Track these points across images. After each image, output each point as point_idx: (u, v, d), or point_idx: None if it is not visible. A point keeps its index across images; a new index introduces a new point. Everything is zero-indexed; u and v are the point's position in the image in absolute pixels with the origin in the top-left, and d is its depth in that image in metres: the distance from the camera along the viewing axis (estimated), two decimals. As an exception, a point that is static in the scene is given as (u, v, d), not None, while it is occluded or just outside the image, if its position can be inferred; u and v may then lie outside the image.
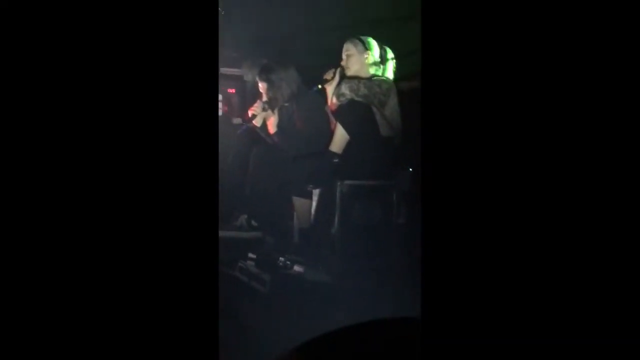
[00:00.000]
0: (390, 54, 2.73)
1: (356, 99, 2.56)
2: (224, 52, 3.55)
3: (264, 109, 2.89)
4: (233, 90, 3.90)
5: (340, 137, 2.64)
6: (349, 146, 2.63)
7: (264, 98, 2.91)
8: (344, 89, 2.58)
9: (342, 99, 2.59)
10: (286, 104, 2.89)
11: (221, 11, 2.20)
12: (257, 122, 2.94)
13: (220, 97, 3.50)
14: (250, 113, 2.93)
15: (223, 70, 3.71)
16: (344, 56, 2.70)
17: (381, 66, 2.70)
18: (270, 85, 2.86)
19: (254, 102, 3.07)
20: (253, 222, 2.85)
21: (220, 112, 3.63)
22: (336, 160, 2.61)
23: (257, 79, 2.96)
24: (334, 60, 2.77)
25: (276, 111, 2.90)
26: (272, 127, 2.93)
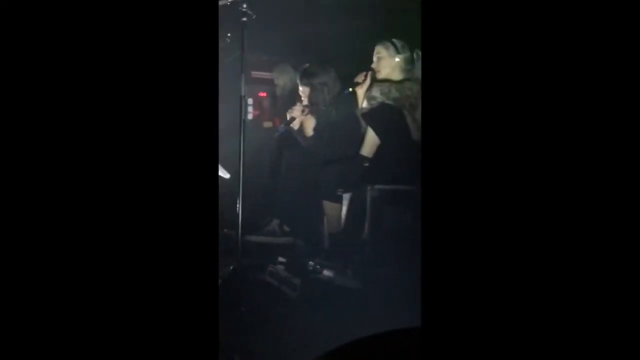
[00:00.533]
0: (420, 56, 2.70)
1: (387, 102, 2.54)
2: (254, 56, 3.58)
3: (303, 112, 2.90)
4: (264, 94, 3.93)
5: (371, 140, 2.62)
6: (379, 150, 2.61)
7: (305, 101, 2.91)
8: (375, 92, 2.56)
9: (373, 102, 2.58)
10: (324, 108, 2.89)
11: (252, 15, 2.21)
12: (295, 125, 2.95)
13: (250, 100, 3.52)
14: (289, 116, 2.93)
15: (254, 74, 3.74)
16: (374, 59, 2.68)
17: (412, 69, 2.67)
18: (312, 89, 2.88)
19: (285, 105, 3.08)
20: (285, 227, 2.86)
21: (250, 116, 3.66)
22: (367, 165, 2.60)
23: (299, 82, 2.97)
24: (365, 64, 2.76)
25: (315, 115, 2.90)
26: (309, 131, 2.93)
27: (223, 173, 2.46)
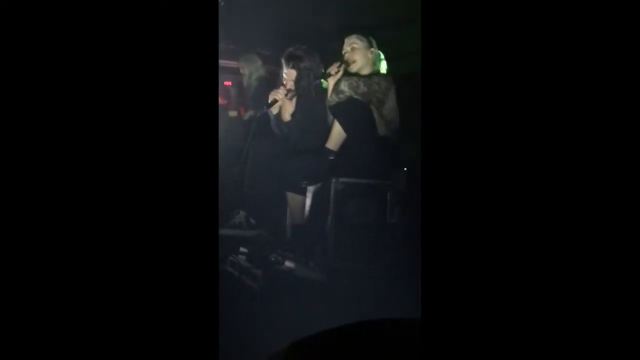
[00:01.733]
0: (381, 55, 2.71)
1: (355, 96, 2.54)
2: (220, 45, 3.53)
3: (286, 96, 2.79)
4: (230, 83, 3.88)
5: (337, 134, 2.62)
6: (345, 144, 2.62)
7: (288, 85, 2.82)
8: (343, 85, 2.56)
9: (341, 95, 2.58)
10: (305, 95, 2.83)
11: (220, 2, 2.16)
12: (274, 109, 2.85)
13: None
14: (271, 98, 2.80)
15: (220, 62, 3.69)
16: (348, 49, 2.66)
17: (381, 65, 2.68)
18: (298, 73, 2.79)
19: (252, 95, 3.03)
20: (251, 220, 2.84)
21: (216, 106, 3.60)
22: (332, 157, 2.60)
23: (284, 64, 2.86)
24: (332, 59, 2.74)
25: (294, 101, 2.82)
26: (287, 115, 2.85)
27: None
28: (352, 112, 2.57)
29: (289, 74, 2.83)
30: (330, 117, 2.70)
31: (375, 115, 2.54)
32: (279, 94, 2.79)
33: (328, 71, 2.66)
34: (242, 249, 2.29)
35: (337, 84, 2.60)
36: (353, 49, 2.64)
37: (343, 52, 2.69)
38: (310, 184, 2.65)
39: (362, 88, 2.53)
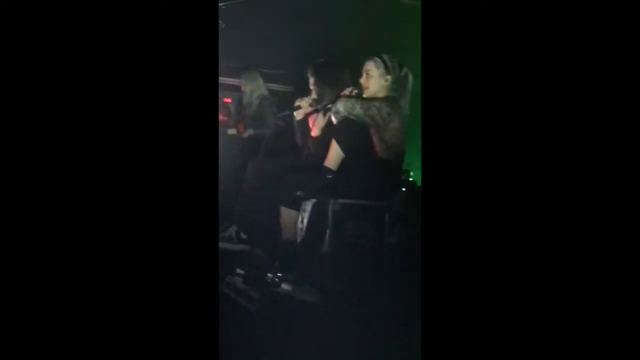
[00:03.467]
0: (409, 73, 2.68)
1: (350, 117, 2.54)
2: (222, 62, 3.54)
3: (310, 105, 2.78)
4: (229, 100, 3.89)
5: (334, 153, 2.62)
6: (343, 164, 2.61)
7: (313, 95, 2.80)
8: (340, 106, 2.56)
9: (337, 116, 2.58)
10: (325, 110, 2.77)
11: (221, 24, 2.18)
12: (298, 115, 2.82)
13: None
14: (296, 103, 2.80)
15: (220, 79, 3.69)
16: (364, 75, 2.67)
17: (398, 89, 2.65)
18: (321, 83, 2.78)
19: (251, 113, 3.01)
20: (242, 235, 2.82)
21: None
22: (330, 177, 2.60)
23: (310, 75, 2.84)
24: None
25: (328, 115, 2.73)
26: (317, 130, 2.81)
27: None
28: (348, 132, 2.57)
29: (313, 83, 2.81)
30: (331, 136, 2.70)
31: (375, 138, 2.54)
32: (304, 101, 2.77)
33: (342, 94, 2.65)
34: (238, 270, 2.28)
35: (335, 104, 2.60)
36: (368, 76, 2.64)
37: (360, 78, 2.68)
38: (307, 202, 2.64)
39: (358, 110, 2.52)
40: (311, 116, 2.82)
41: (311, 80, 2.84)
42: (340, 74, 2.80)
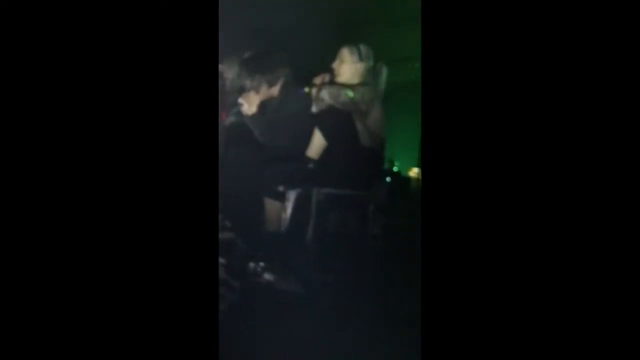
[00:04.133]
0: (382, 63, 2.69)
1: (335, 105, 2.52)
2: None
3: (253, 98, 2.79)
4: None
5: (317, 142, 2.60)
6: (326, 153, 2.60)
7: (249, 85, 2.81)
8: (324, 94, 2.54)
9: (321, 104, 2.56)
10: (274, 96, 2.80)
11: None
12: (249, 111, 2.82)
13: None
14: (240, 101, 2.83)
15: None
16: (337, 61, 2.66)
17: (373, 75, 2.66)
18: (254, 71, 2.79)
19: (230, 100, 2.98)
20: (227, 223, 2.79)
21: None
22: (311, 166, 2.58)
23: (239, 72, 2.88)
24: (327, 60, 2.71)
25: (258, 101, 2.79)
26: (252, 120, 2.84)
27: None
28: (332, 121, 2.55)
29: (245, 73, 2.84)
30: (313, 125, 2.67)
31: (358, 125, 2.52)
32: (248, 98, 2.79)
33: (313, 81, 2.64)
34: (220, 260, 2.25)
35: (318, 92, 2.58)
36: (341, 61, 2.63)
37: (333, 63, 2.67)
38: (290, 192, 2.62)
39: (343, 98, 2.51)
40: (257, 107, 2.82)
41: (243, 75, 2.85)
42: (273, 59, 2.79)
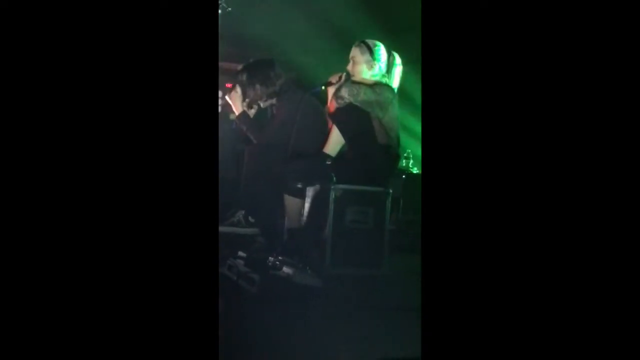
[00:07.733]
0: (398, 60, 2.71)
1: (354, 103, 2.55)
2: (224, 48, 3.53)
3: (248, 104, 2.95)
4: (231, 85, 3.88)
5: (335, 139, 2.64)
6: (344, 150, 2.64)
7: (245, 95, 2.94)
8: (344, 92, 2.58)
9: (340, 101, 2.59)
10: (268, 102, 2.92)
11: (227, 8, 2.18)
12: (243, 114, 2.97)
13: (219, 92, 3.49)
14: (235, 109, 2.98)
15: (222, 64, 3.68)
16: (350, 62, 2.68)
17: (387, 73, 2.68)
18: (249, 82, 2.91)
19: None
20: (250, 218, 2.85)
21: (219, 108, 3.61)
22: (329, 162, 2.61)
23: (242, 75, 2.99)
24: (342, 63, 2.75)
25: (254, 109, 2.96)
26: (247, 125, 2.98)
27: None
28: (351, 119, 2.59)
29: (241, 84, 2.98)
30: (330, 122, 2.71)
31: (376, 123, 2.56)
32: (241, 103, 2.97)
33: (329, 80, 2.67)
34: (240, 253, 2.30)
35: (337, 90, 2.62)
36: (353, 62, 2.65)
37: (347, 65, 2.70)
38: (308, 188, 2.66)
39: (362, 96, 2.54)
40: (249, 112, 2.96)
41: (243, 78, 2.95)
42: (269, 70, 2.91)
